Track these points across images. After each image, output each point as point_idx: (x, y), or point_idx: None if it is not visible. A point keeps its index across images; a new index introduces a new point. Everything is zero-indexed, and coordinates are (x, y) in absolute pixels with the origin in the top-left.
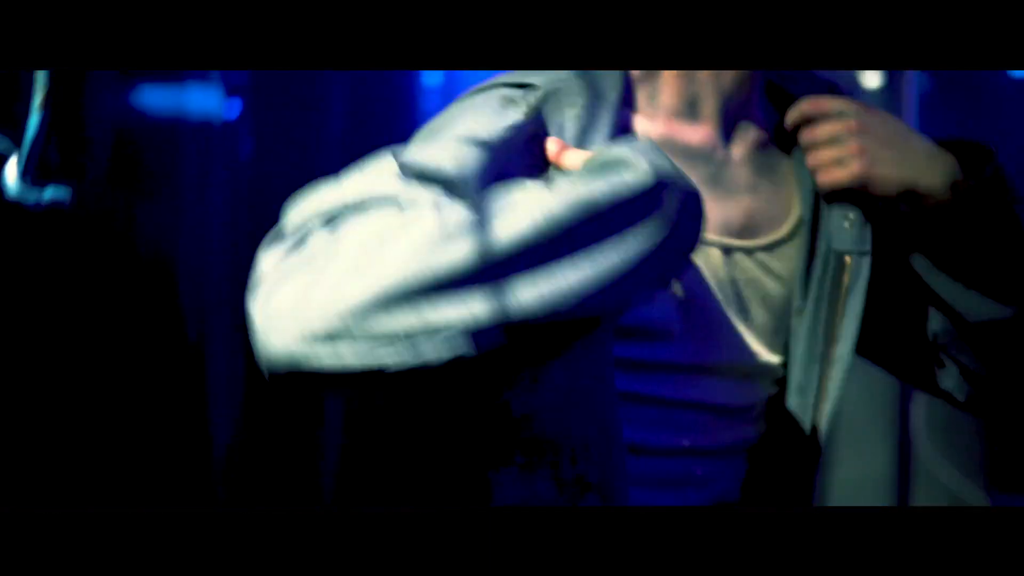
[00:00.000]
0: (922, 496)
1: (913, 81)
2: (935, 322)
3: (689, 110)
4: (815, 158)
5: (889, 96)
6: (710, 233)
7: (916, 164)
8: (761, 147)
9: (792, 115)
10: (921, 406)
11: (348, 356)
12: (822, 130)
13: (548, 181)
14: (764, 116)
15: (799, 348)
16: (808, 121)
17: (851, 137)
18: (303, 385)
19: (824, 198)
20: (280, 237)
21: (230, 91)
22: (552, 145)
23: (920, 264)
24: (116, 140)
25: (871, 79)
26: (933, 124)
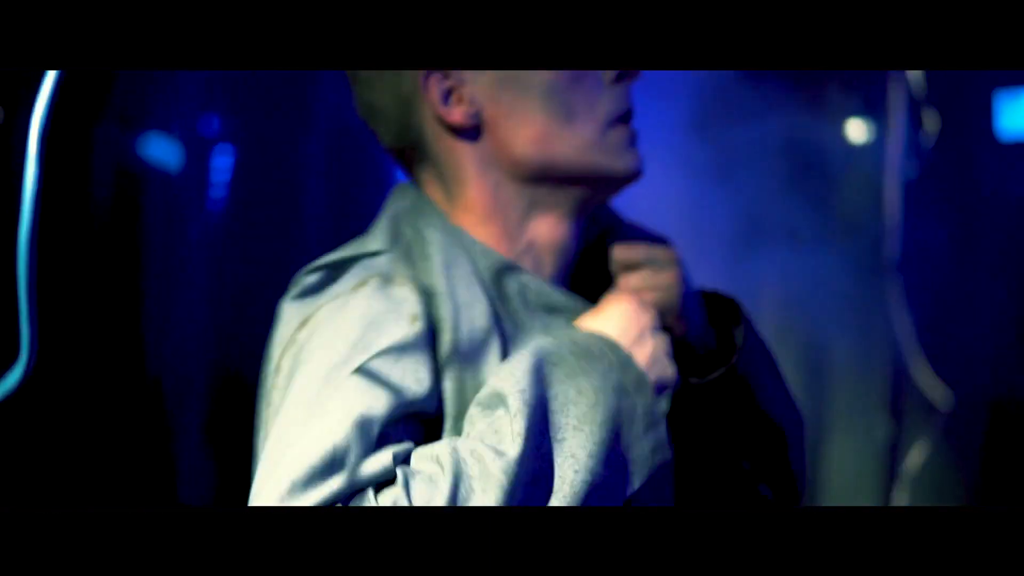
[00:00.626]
0: None
1: (900, 136)
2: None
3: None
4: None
5: (874, 152)
6: None
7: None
8: None
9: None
10: (914, 458)
11: None
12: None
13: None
14: None
15: None
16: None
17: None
18: None
19: None
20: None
21: (209, 141)
22: None
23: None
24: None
25: (855, 132)
26: (918, 183)
